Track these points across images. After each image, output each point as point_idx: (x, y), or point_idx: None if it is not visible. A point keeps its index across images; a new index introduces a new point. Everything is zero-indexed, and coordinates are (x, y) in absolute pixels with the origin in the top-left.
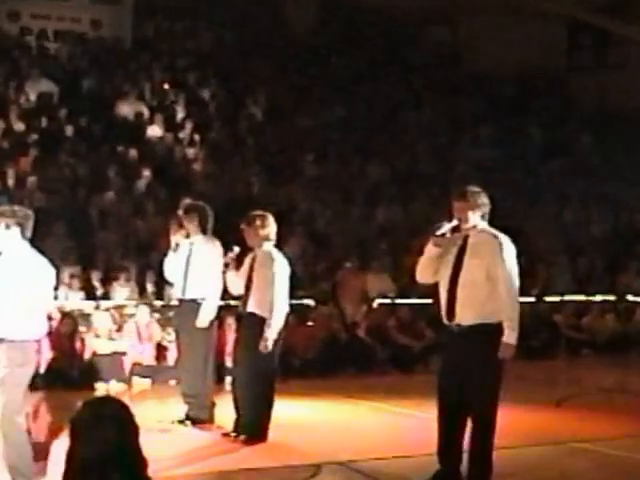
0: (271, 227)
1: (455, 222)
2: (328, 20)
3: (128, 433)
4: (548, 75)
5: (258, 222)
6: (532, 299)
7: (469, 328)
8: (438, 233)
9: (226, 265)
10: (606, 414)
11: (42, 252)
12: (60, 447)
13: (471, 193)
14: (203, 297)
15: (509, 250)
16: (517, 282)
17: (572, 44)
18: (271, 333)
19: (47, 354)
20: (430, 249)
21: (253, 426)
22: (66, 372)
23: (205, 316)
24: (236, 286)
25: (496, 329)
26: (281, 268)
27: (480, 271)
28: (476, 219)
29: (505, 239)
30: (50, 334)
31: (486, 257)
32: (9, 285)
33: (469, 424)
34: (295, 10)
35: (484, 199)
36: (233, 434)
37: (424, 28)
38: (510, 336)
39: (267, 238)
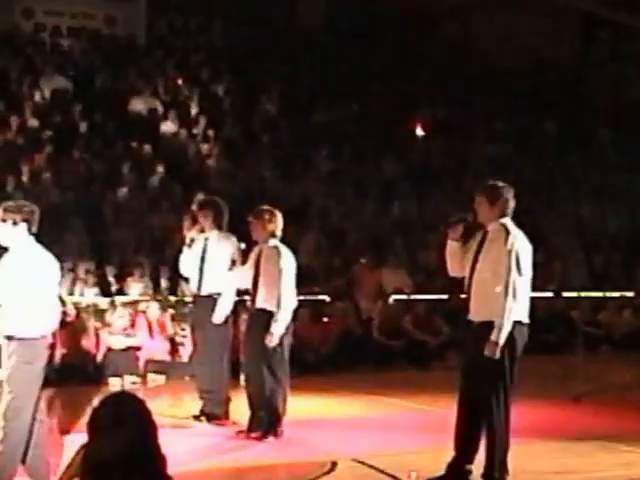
0: (278, 222)
1: (467, 216)
2: (341, 15)
3: (148, 430)
4: (562, 70)
5: (266, 216)
6: (549, 295)
7: (480, 325)
8: (453, 227)
9: (233, 262)
10: (624, 410)
11: (47, 247)
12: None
13: (491, 188)
14: (219, 293)
15: (515, 247)
16: (517, 282)
17: (587, 38)
18: (278, 328)
19: (60, 349)
20: (449, 243)
21: (268, 422)
22: (81, 368)
23: (221, 312)
24: (241, 280)
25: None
26: (288, 263)
27: (488, 268)
28: (495, 214)
29: (517, 236)
30: (65, 330)
31: (494, 253)
32: (17, 282)
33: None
34: (308, 5)
35: (506, 194)
36: (248, 432)
37: (438, 23)
38: (496, 335)
39: (273, 233)
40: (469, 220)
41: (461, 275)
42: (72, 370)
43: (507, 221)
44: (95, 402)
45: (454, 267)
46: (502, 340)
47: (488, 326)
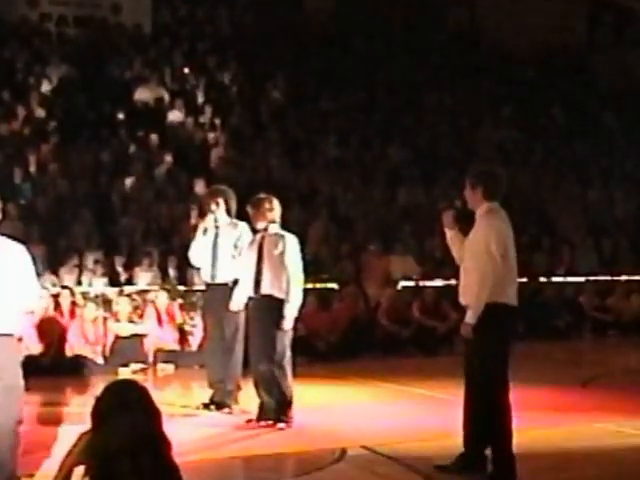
0: (277, 209)
1: (456, 203)
2: (348, 2)
3: (153, 416)
4: (569, 55)
5: (266, 205)
6: (557, 280)
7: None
8: (445, 215)
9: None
10: (632, 395)
11: (55, 237)
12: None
13: (476, 173)
14: (232, 280)
15: (494, 231)
16: (489, 265)
17: (593, 23)
18: (291, 311)
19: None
20: (446, 232)
21: (276, 409)
22: (89, 357)
23: (238, 299)
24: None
25: (491, 310)
26: (293, 246)
27: (471, 252)
28: (480, 199)
29: (496, 219)
30: (74, 320)
31: (475, 237)
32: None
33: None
34: None
35: (491, 178)
36: (257, 420)
37: (444, 10)
38: (469, 316)
39: (273, 220)
40: (458, 207)
41: None
42: (81, 360)
43: (494, 205)
44: (98, 390)
45: (456, 255)
46: (472, 320)
47: None
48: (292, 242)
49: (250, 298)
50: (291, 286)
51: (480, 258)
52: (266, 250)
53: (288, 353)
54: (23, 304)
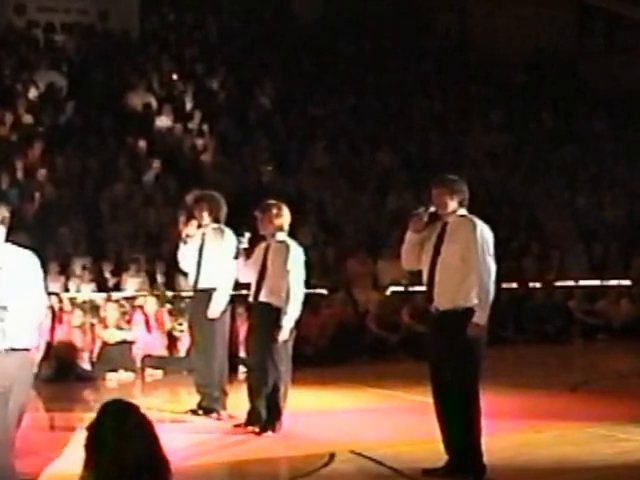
0: (285, 217)
1: (432, 208)
2: (336, 7)
3: (153, 440)
4: (559, 60)
5: (274, 211)
6: (546, 285)
7: (445, 312)
8: (415, 219)
9: (236, 256)
10: (622, 399)
11: (43, 243)
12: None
13: (449, 180)
14: (215, 287)
15: (484, 235)
16: (492, 266)
17: (582, 28)
18: (288, 322)
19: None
20: (409, 236)
21: (267, 417)
22: (78, 364)
23: (216, 306)
24: (244, 274)
25: (471, 314)
26: (297, 257)
27: (456, 256)
28: (454, 205)
29: (482, 224)
30: (61, 326)
31: (462, 242)
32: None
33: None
34: None
35: (462, 186)
36: (246, 426)
37: (433, 14)
38: (479, 317)
39: (281, 228)
40: (433, 212)
41: (416, 268)
42: (69, 367)
43: (465, 212)
44: (93, 414)
45: (411, 260)
46: (483, 321)
47: (455, 313)
48: (297, 252)
49: (250, 305)
50: (291, 298)
51: (482, 262)
52: (270, 257)
53: (289, 361)
54: (36, 316)
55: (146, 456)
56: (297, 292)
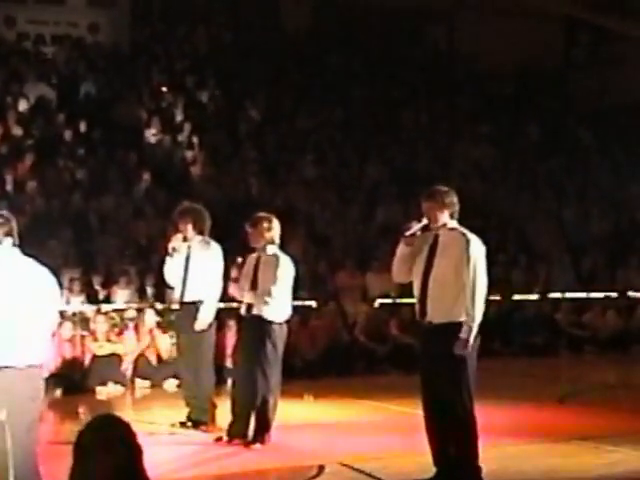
0: (276, 230)
1: (424, 222)
2: (325, 20)
3: (135, 455)
4: (546, 73)
5: (265, 224)
6: (533, 297)
7: (439, 326)
8: (408, 233)
9: (235, 280)
10: (609, 410)
11: (31, 256)
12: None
13: (439, 192)
14: (201, 300)
15: (476, 249)
16: (483, 281)
17: (569, 41)
18: (250, 299)
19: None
20: (402, 249)
21: (256, 429)
22: (67, 377)
23: (203, 319)
24: (238, 293)
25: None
26: (287, 270)
27: (449, 270)
28: (445, 218)
29: (474, 238)
30: (51, 339)
31: (454, 256)
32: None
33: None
34: (292, 12)
35: (453, 198)
36: (229, 439)
37: (421, 27)
38: (466, 332)
39: (272, 240)
40: (427, 225)
41: (407, 280)
42: (59, 379)
43: (456, 224)
44: (82, 424)
45: (402, 271)
46: (472, 338)
47: (448, 326)
48: (286, 265)
49: (242, 317)
50: (269, 293)
51: (473, 278)
52: (260, 270)
53: (279, 374)
54: (47, 331)
55: (126, 470)
56: (276, 293)
